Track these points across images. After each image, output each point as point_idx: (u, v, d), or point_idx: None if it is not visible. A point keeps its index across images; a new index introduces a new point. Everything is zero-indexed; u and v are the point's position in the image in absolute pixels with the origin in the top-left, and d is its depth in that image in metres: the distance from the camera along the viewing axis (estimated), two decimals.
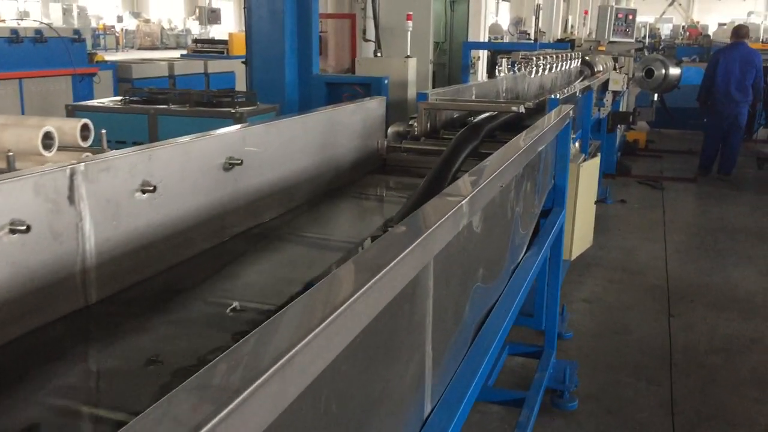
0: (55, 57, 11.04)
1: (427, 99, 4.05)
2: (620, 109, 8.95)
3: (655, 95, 9.10)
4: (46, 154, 2.80)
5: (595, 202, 5.76)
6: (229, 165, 2.34)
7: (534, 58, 4.69)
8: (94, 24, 40.01)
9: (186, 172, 2.13)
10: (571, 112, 3.45)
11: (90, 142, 3.07)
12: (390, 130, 3.98)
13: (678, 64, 8.75)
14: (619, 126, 8.93)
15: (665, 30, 32.93)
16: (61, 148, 2.98)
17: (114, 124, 5.27)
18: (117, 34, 41.67)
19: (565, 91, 4.19)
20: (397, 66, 7.53)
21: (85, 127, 3.02)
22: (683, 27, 33.06)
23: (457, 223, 1.51)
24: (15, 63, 10.28)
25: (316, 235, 2.57)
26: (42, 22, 12.27)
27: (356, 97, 6.61)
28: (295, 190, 2.83)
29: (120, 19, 44.04)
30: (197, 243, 2.18)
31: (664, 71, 8.66)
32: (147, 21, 44.31)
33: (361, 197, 3.13)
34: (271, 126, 2.63)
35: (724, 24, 27.55)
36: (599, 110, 7.30)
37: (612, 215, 7.22)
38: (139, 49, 38.26)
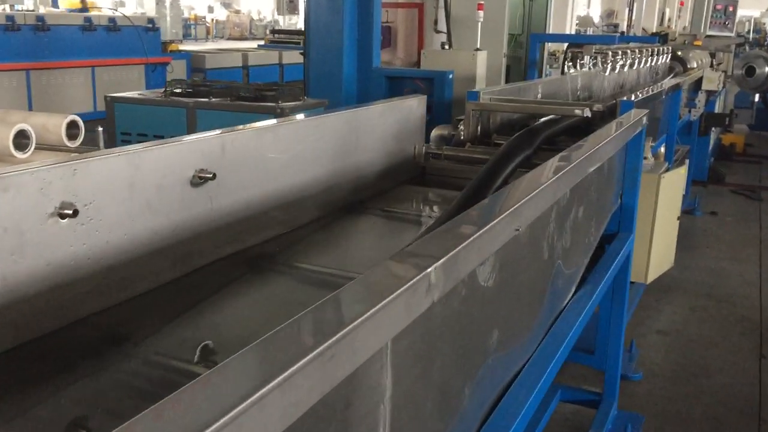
0: (128, 46, 11.02)
1: (478, 98, 3.53)
2: (715, 111, 8.10)
3: (756, 95, 8.20)
4: (19, 155, 2.46)
5: (680, 216, 5.08)
6: (200, 179, 1.91)
7: (611, 53, 4.09)
8: (186, 14, 40.99)
9: (134, 190, 1.71)
10: (644, 118, 2.86)
11: (79, 140, 2.71)
12: (434, 133, 3.49)
13: None
14: (713, 129, 8.10)
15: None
16: (45, 148, 2.64)
17: (153, 117, 4.99)
18: (207, 25, 42.51)
19: (641, 92, 3.57)
20: (465, 59, 7.00)
21: (72, 125, 2.67)
22: None
23: (423, 300, 1.03)
24: (88, 51, 10.29)
25: (313, 266, 2.11)
26: (116, 11, 12.31)
27: (417, 92, 6.14)
28: (301, 206, 2.39)
29: (211, 9, 44.91)
30: (146, 277, 1.76)
31: (766, 69, 7.76)
32: (237, 12, 45.01)
33: (385, 214, 2.65)
34: (264, 131, 2.18)
35: None
36: (690, 111, 6.55)
37: (700, 229, 6.47)
38: (229, 39, 38.82)
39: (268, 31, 23.80)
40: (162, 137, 4.95)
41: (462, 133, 3.40)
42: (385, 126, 2.91)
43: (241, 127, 2.10)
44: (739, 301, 4.81)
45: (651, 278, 4.74)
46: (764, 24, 28.93)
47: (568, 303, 2.20)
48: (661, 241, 4.82)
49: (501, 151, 2.89)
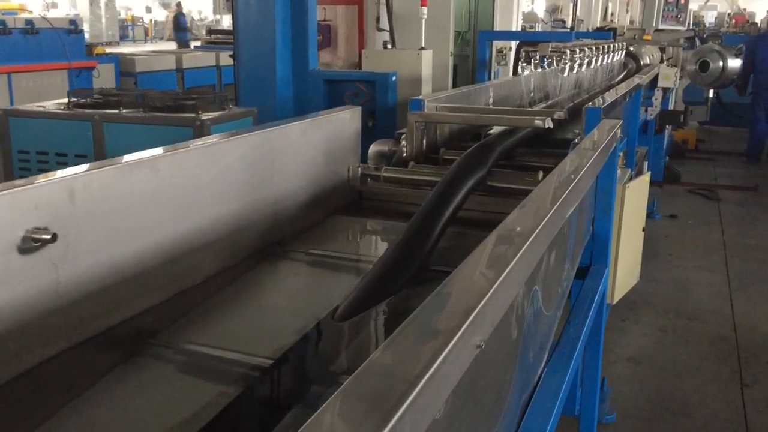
0: (48, 50, 10.22)
1: (422, 108, 3.04)
2: (669, 108, 7.80)
3: (710, 91, 7.93)
4: None
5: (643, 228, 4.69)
6: (34, 242, 1.37)
7: (568, 51, 3.66)
8: (123, 15, 39.63)
9: None
10: (619, 130, 2.41)
11: None
12: (372, 149, 2.98)
13: (738, 55, 7.56)
14: (667, 126, 7.79)
15: (710, 17, 31.50)
16: None
17: (54, 133, 4.36)
18: (146, 26, 41.16)
19: (605, 96, 3.12)
20: (409, 59, 6.52)
21: None
22: (729, 14, 31.54)
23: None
24: (3, 56, 9.49)
25: (207, 349, 1.58)
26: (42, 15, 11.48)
27: (359, 96, 5.64)
28: (195, 259, 1.85)
29: (149, 9, 43.56)
30: None
31: (721, 63, 7.48)
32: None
33: (310, 258, 2.13)
34: (135, 167, 1.64)
35: None
36: (647, 110, 6.20)
37: (661, 235, 6.12)
38: (168, 40, 37.66)
39: (204, 32, 23.00)
40: (65, 156, 4.33)
41: (404, 149, 2.90)
42: (310, 146, 2.39)
43: (99, 165, 1.56)
44: (711, 318, 4.44)
45: (617, 298, 4.32)
46: (702, 17, 29.31)
47: (541, 376, 1.71)
48: (627, 256, 4.40)
49: (450, 173, 2.41)
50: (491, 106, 3.56)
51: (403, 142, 2.88)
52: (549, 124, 2.70)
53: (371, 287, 1.82)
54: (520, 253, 1.18)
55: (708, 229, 6.39)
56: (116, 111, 4.30)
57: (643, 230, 4.61)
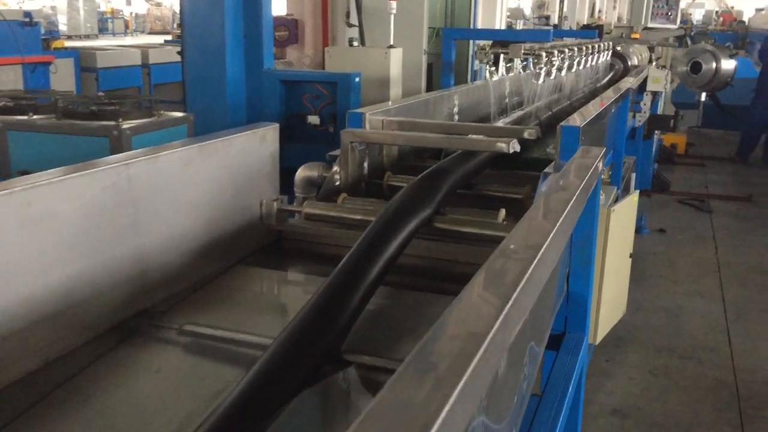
0: (0, 44, 9.57)
1: (362, 123, 2.48)
2: (658, 112, 7.28)
3: (703, 94, 7.42)
4: None
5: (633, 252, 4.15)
6: None
7: (545, 54, 3.11)
8: (103, 7, 38.77)
9: None
10: (601, 163, 1.86)
11: None
12: (299, 175, 2.42)
13: (732, 55, 7.05)
14: (655, 131, 7.28)
15: (697, 15, 31.25)
16: None
17: None
18: (126, 19, 40.24)
19: (585, 112, 2.56)
20: (376, 58, 5.95)
21: None
22: (716, 12, 31.28)
23: None
24: None
25: None
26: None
27: (320, 99, 5.08)
28: (7, 348, 1.29)
29: (129, 2, 42.67)
30: None
31: (714, 65, 6.96)
32: (158, 4, 43.06)
33: (178, 340, 1.56)
34: None
35: (762, 9, 25.62)
36: (635, 116, 5.67)
37: (649, 253, 5.60)
38: (150, 33, 36.81)
39: (176, 25, 22.28)
40: None
41: (337, 176, 2.34)
42: (199, 178, 1.82)
43: None
44: (707, 357, 3.91)
45: (601, 336, 3.79)
46: (690, 15, 28.97)
47: None
48: (612, 287, 3.87)
49: (384, 215, 1.86)
50: (450, 121, 3.01)
51: (335, 168, 2.32)
52: (514, 147, 2.15)
53: (244, 400, 1.26)
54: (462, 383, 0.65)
55: (700, 245, 5.88)
56: (26, 117, 3.71)
57: (631, 256, 4.08)
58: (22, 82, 9.83)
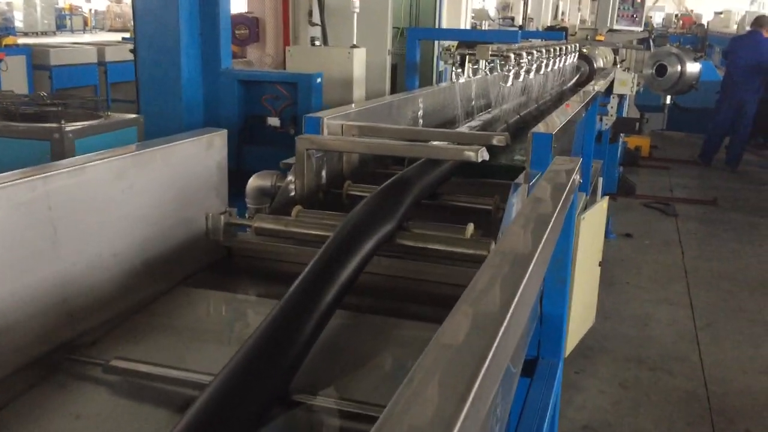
0: None
1: (320, 128, 2.30)
2: (624, 115, 7.22)
3: (668, 97, 7.39)
4: None
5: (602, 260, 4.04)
6: None
7: (513, 55, 2.97)
8: (61, 3, 37.85)
9: None
10: (578, 176, 1.71)
11: None
12: (251, 184, 2.24)
13: (697, 58, 7.03)
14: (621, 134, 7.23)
15: (657, 18, 31.68)
16: None
17: None
18: (85, 15, 39.34)
19: (556, 118, 2.41)
20: (339, 58, 5.77)
21: None
22: (676, 15, 31.74)
23: None
24: None
25: None
26: None
27: (280, 100, 4.88)
28: None
29: None
30: None
31: (679, 68, 6.93)
32: (119, 1, 42.23)
33: (105, 379, 1.37)
34: None
35: (720, 12, 26.06)
36: (602, 120, 5.59)
37: (616, 258, 5.51)
38: (110, 30, 36.03)
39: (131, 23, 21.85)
40: None
41: (292, 185, 2.16)
42: (132, 193, 1.63)
43: None
44: (677, 368, 3.81)
45: (570, 348, 3.68)
46: (650, 17, 29.30)
47: None
48: (582, 296, 3.76)
49: (341, 231, 1.69)
50: (414, 126, 2.85)
51: (290, 177, 2.14)
52: (483, 156, 1.99)
53: None
54: None
55: (667, 250, 5.82)
56: None
57: (600, 264, 3.97)
58: None
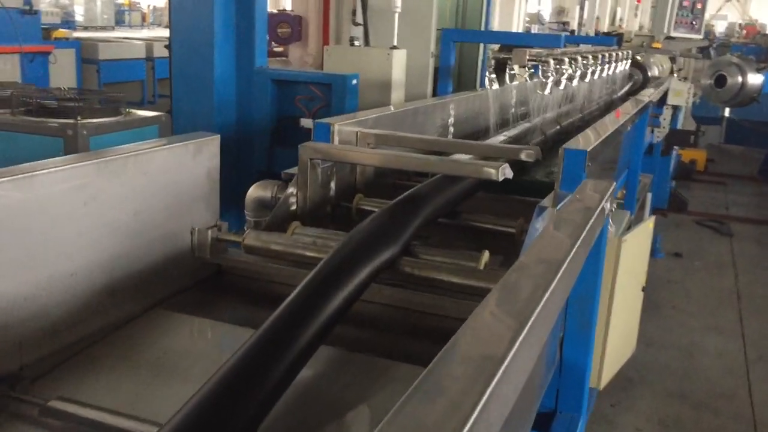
0: None
1: (330, 136, 2.10)
2: (678, 126, 6.85)
3: (727, 109, 6.99)
4: None
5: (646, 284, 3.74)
6: None
7: (552, 61, 2.72)
8: None
9: None
10: (608, 203, 1.47)
11: None
12: (251, 194, 2.05)
13: (760, 69, 6.61)
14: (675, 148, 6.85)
15: (720, 27, 30.71)
16: None
17: None
18: (144, 11, 40.06)
19: (593, 133, 2.14)
20: (378, 60, 5.56)
21: None
22: (740, 24, 30.71)
23: None
24: None
25: None
26: None
27: (314, 101, 4.71)
28: None
29: None
30: None
31: (740, 79, 6.53)
32: None
33: (41, 423, 1.19)
34: None
35: None
36: (653, 132, 5.26)
37: (663, 280, 5.18)
38: (167, 27, 36.56)
39: None
40: None
41: (293, 198, 1.96)
42: (102, 203, 1.45)
43: None
44: (724, 407, 3.50)
45: (606, 379, 3.40)
46: (713, 26, 28.38)
47: None
48: (621, 324, 3.47)
49: (336, 253, 1.49)
50: (437, 137, 2.62)
51: (290, 189, 1.94)
52: (505, 174, 1.76)
53: None
54: None
55: (718, 273, 5.45)
56: None
57: (643, 289, 3.67)
58: (20, 72, 9.53)
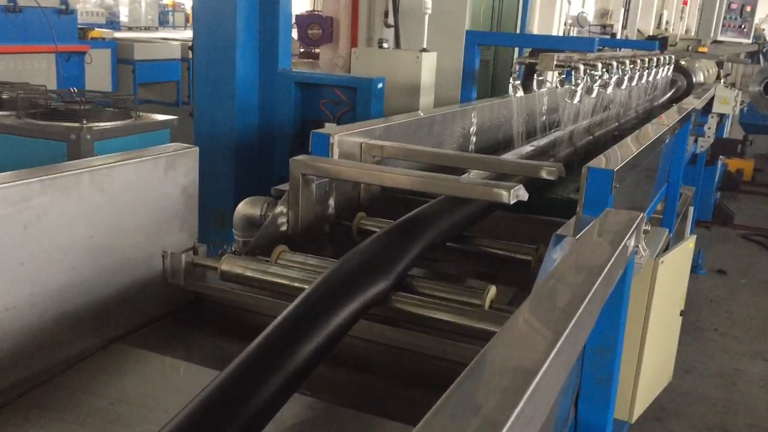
0: (33, 31, 9.29)
1: (329, 149, 1.90)
2: (724, 135, 6.50)
3: None
4: None
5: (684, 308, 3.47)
6: None
7: (581, 66, 2.48)
8: (165, 0, 39.10)
9: None
10: (633, 240, 1.24)
11: None
12: (239, 211, 1.86)
13: None
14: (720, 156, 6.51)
15: None
16: None
17: None
18: (187, 12, 40.53)
19: (623, 149, 1.90)
20: (407, 62, 5.38)
21: None
22: None
23: None
24: None
25: None
26: None
27: (339, 105, 4.54)
28: None
29: None
30: None
31: None
32: None
33: None
34: None
35: None
36: (697, 141, 4.96)
37: (705, 299, 4.87)
38: None
39: None
40: None
41: (282, 217, 1.77)
42: (50, 225, 1.27)
43: None
44: None
45: (639, 412, 3.14)
46: (763, 30, 27.49)
47: None
48: (657, 352, 3.20)
49: (316, 289, 1.29)
50: (449, 150, 2.41)
51: (279, 208, 1.75)
52: (518, 196, 1.54)
53: None
54: None
55: (766, 292, 5.12)
56: None
57: (682, 314, 3.40)
58: (55, 72, 9.56)
